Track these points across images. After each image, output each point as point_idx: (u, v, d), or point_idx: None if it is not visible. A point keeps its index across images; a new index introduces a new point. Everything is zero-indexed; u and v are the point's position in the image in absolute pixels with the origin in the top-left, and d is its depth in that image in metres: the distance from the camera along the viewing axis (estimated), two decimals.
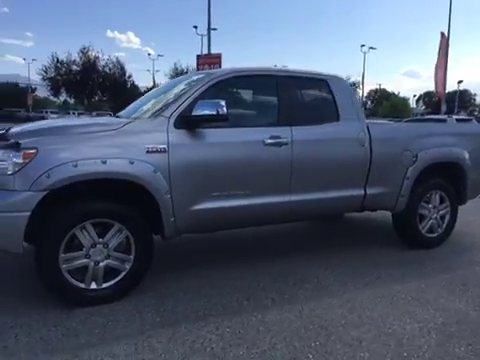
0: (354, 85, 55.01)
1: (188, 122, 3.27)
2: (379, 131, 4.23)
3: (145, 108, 3.66)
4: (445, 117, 16.81)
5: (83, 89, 46.30)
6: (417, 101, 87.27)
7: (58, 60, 45.96)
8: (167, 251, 4.26)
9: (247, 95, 3.86)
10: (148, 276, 3.54)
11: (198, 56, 15.68)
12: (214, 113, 3.17)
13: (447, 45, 22.63)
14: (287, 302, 3.20)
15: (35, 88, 64.46)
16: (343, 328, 2.84)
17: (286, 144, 3.62)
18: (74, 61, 46.44)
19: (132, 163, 3.01)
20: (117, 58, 47.68)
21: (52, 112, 47.22)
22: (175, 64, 46.05)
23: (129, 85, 53.30)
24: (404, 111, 56.46)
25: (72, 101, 55.71)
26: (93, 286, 3.06)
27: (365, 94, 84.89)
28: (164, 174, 3.13)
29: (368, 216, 5.07)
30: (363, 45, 43.60)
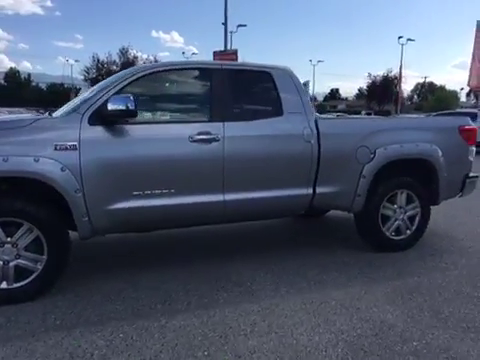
0: (396, 79, 53.33)
1: (103, 118, 3.17)
2: (329, 126, 3.96)
3: (70, 105, 3.60)
4: (476, 111, 15.97)
5: None
6: (468, 94, 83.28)
7: (99, 61, 47.57)
8: (102, 251, 4.21)
9: (176, 90, 3.71)
10: (74, 276, 3.50)
11: (214, 53, 15.60)
12: (123, 108, 3.05)
13: None
14: (203, 307, 3.04)
15: (79, 88, 67.11)
16: (244, 337, 2.65)
17: (217, 140, 3.45)
18: (114, 61, 47.90)
19: (37, 161, 2.94)
20: (155, 58, 48.56)
21: None
22: None
23: None
24: (451, 105, 53.83)
25: None
26: (3, 286, 3.02)
27: (411, 87, 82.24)
28: (74, 172, 3.05)
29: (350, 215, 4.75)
30: (400, 37, 41.87)
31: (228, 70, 3.67)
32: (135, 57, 47.13)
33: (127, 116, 3.11)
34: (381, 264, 3.93)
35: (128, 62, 46.54)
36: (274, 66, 3.91)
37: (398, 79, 50.85)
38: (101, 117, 3.17)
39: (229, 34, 29.48)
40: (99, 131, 3.17)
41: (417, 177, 4.33)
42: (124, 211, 3.25)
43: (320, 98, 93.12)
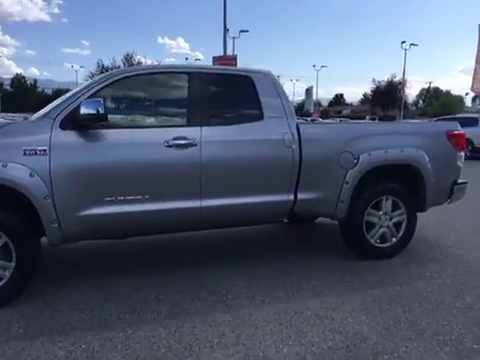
0: (400, 84, 53.15)
1: (75, 123, 3.11)
2: (311, 131, 3.87)
3: (44, 109, 3.54)
4: (476, 116, 15.82)
5: None
6: (473, 99, 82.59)
7: (103, 66, 47.87)
8: (77, 257, 4.14)
9: (153, 94, 3.62)
10: (46, 283, 3.44)
11: (214, 58, 15.57)
12: (94, 112, 2.99)
13: None
14: (172, 317, 2.96)
15: None
16: (210, 349, 2.56)
17: (194, 145, 3.38)
18: (118, 67, 48.14)
19: (5, 166, 2.89)
20: (159, 63, 48.67)
21: None
22: None
23: None
24: (456, 110, 53.40)
25: None
26: None
27: (417, 92, 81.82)
28: (44, 177, 2.99)
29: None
30: (403, 42, 41.76)
31: (207, 74, 3.60)
32: (139, 62, 47.33)
33: (98, 120, 3.05)
34: (363, 272, 3.83)
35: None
36: (256, 70, 3.84)
37: (402, 84, 50.74)
38: (73, 121, 3.11)
39: (231, 40, 29.66)
40: (71, 136, 3.11)
41: (403, 183, 4.22)
42: (96, 217, 3.18)
43: (325, 103, 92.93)
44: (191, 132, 3.39)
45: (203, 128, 3.43)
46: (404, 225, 4.24)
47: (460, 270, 3.92)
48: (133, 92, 3.53)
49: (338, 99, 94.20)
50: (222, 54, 17.88)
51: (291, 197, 3.78)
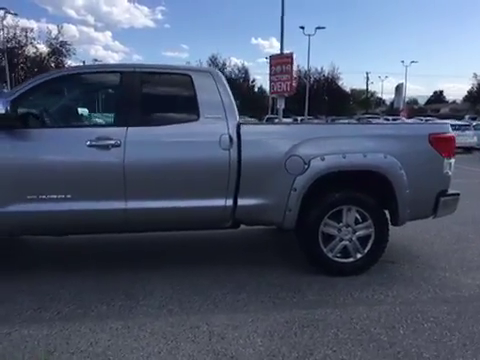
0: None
1: None
2: (253, 133, 3.60)
3: None
4: None
5: None
6: None
7: None
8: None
9: (83, 94, 3.65)
10: None
11: (271, 57, 15.29)
12: (3, 112, 3.08)
13: None
14: (68, 318, 2.95)
15: None
16: (69, 355, 2.50)
17: (117, 146, 3.33)
18: None
19: None
20: (243, 64, 49.44)
21: None
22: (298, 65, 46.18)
23: (257, 90, 55.44)
24: None
25: None
26: None
27: None
28: None
29: None
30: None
31: (141, 73, 3.52)
32: (224, 64, 48.53)
33: (4, 120, 3.13)
34: (308, 289, 3.47)
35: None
36: (198, 68, 3.70)
37: None
38: None
39: (308, 37, 28.98)
40: None
41: (372, 193, 3.75)
42: (17, 214, 3.28)
43: (422, 101, 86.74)
44: (116, 132, 3.34)
45: (129, 128, 3.37)
46: (371, 240, 3.75)
47: (426, 297, 3.38)
48: (64, 92, 3.59)
49: (438, 96, 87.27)
50: (311, 52, 17.45)
51: (230, 203, 3.55)
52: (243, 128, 3.54)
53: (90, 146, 3.30)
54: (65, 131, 3.40)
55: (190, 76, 3.57)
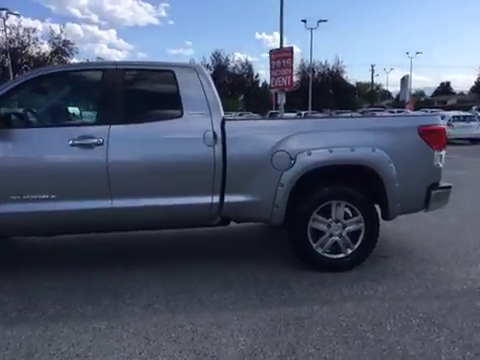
0: None
1: None
2: (238, 129, 3.55)
3: None
4: None
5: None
6: None
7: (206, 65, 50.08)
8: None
9: (65, 93, 3.62)
10: None
11: (271, 51, 15.17)
12: None
13: None
14: (53, 319, 2.93)
15: None
16: (49, 356, 2.48)
17: (99, 145, 3.30)
18: (207, 65, 49.87)
19: None
20: (246, 59, 49.46)
21: None
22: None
23: (261, 85, 55.35)
24: None
25: None
26: None
27: None
28: None
29: None
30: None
31: (123, 70, 3.49)
32: (227, 59, 48.39)
33: None
34: (296, 286, 3.43)
35: (220, 65, 47.99)
36: (181, 64, 3.65)
37: None
38: None
39: (310, 31, 28.79)
40: None
41: (362, 188, 3.69)
42: (1, 215, 3.27)
43: (429, 93, 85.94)
44: (98, 131, 3.31)
45: (112, 127, 3.34)
46: (362, 235, 3.70)
47: (416, 292, 3.32)
48: (46, 91, 3.58)
49: (445, 88, 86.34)
50: (320, 46, 17.32)
51: (216, 200, 3.51)
52: (228, 124, 3.50)
53: (73, 145, 3.28)
54: (47, 130, 3.38)
55: (173, 72, 3.53)
